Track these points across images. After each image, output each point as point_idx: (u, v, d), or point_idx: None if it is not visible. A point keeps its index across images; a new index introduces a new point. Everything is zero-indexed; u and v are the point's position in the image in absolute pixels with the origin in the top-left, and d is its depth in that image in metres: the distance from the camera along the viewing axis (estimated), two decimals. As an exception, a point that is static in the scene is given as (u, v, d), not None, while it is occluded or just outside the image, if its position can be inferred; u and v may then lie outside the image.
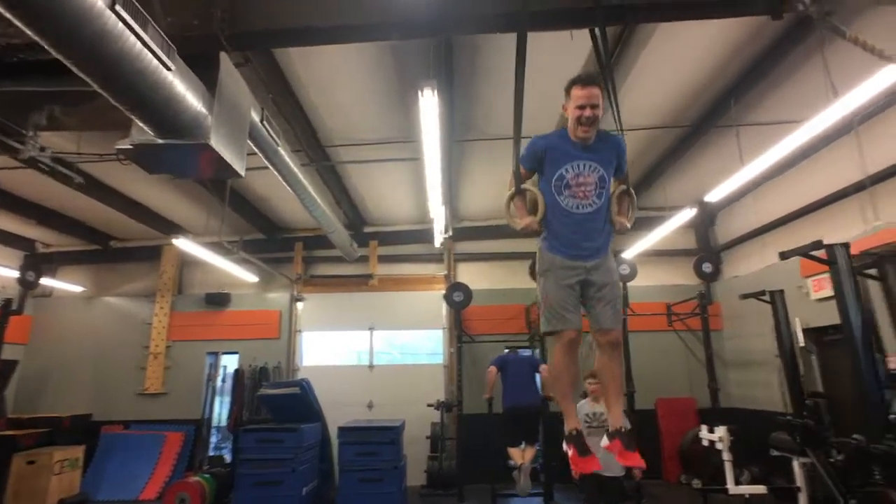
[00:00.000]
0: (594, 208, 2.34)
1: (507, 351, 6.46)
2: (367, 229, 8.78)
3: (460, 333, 7.48)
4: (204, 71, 3.02)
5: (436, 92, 3.25)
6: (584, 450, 2.32)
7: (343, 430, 6.04)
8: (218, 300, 8.42)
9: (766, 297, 4.93)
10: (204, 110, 2.97)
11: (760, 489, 4.77)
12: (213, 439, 8.30)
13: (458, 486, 6.56)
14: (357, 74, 4.70)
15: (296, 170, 4.89)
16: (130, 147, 3.03)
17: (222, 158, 3.14)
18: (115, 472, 7.30)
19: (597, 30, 2.68)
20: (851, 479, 4.36)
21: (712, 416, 6.84)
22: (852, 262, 3.21)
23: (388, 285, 8.55)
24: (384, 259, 8.68)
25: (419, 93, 3.27)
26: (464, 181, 7.34)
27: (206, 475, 6.63)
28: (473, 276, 8.42)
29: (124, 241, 8.93)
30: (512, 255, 8.71)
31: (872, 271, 3.68)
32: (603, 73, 2.71)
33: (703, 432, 5.15)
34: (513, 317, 8.21)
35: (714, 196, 5.76)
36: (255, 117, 3.89)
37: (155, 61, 2.49)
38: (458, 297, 7.41)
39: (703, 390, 7.65)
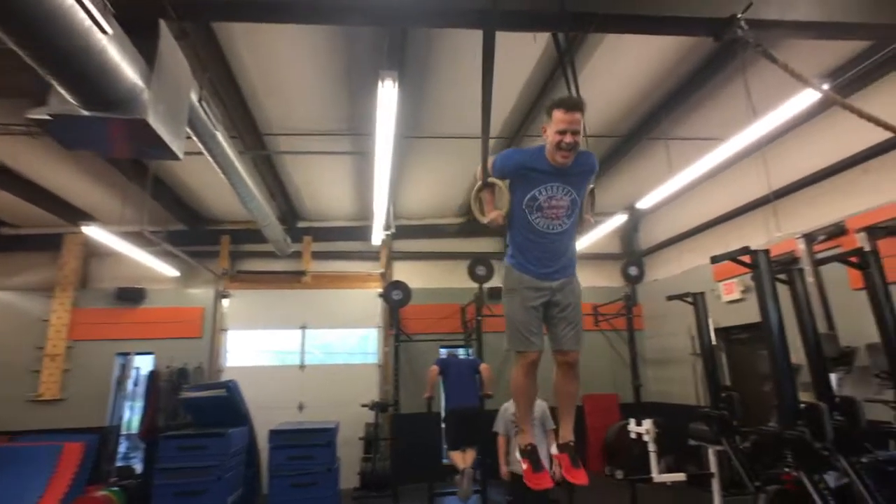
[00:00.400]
0: (563, 229, 2.33)
1: (446, 354, 6.48)
2: (301, 224, 8.44)
3: (398, 332, 7.39)
4: (141, 40, 2.73)
5: (396, 83, 3.17)
6: (538, 466, 2.37)
7: (275, 433, 5.74)
8: (131, 296, 7.69)
9: (689, 299, 5.32)
10: (141, 83, 2.68)
11: (680, 476, 5.16)
12: (122, 448, 7.56)
13: (393, 486, 6.47)
14: (304, 61, 4.48)
15: (233, 157, 4.58)
16: (48, 118, 2.66)
17: (160, 138, 2.85)
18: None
19: (560, 35, 2.75)
20: (758, 464, 4.84)
21: (635, 411, 7.30)
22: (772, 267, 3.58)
23: (321, 282, 8.26)
24: (318, 255, 8.38)
25: (380, 82, 3.17)
26: (404, 179, 7.27)
27: (115, 488, 6.03)
28: (409, 274, 8.35)
29: (17, 228, 7.89)
30: (449, 255, 8.77)
31: (782, 276, 4.11)
32: (565, 76, 2.78)
33: (632, 425, 5.46)
34: (448, 316, 8.26)
35: (645, 203, 6.15)
36: (193, 97, 3.60)
37: (88, 21, 2.20)
38: (397, 295, 7.33)
39: (626, 387, 8.13)
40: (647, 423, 5.16)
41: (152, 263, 7.00)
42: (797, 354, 5.20)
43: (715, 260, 3.82)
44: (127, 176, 6.00)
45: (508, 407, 4.70)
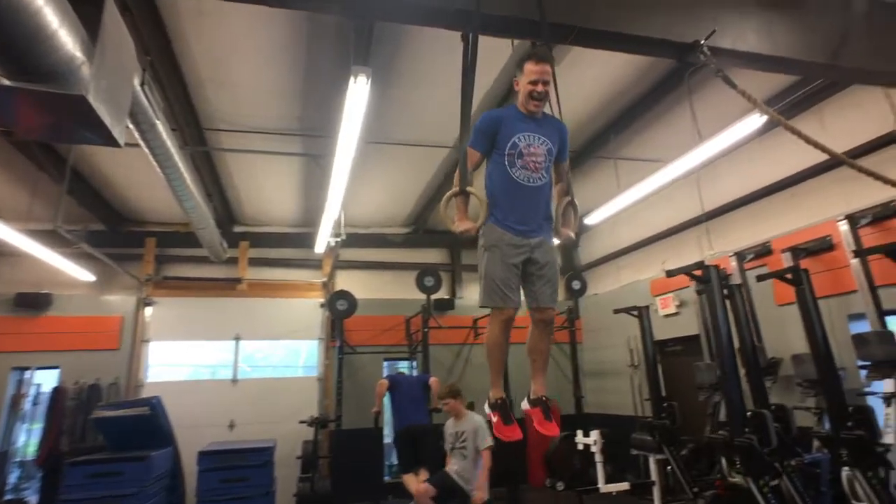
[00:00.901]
0: (543, 182, 2.37)
1: (393, 372, 6.28)
2: (238, 228, 7.93)
3: (342, 344, 7.08)
4: (83, 6, 2.41)
5: (370, 81, 3.03)
6: (508, 418, 2.36)
7: (205, 455, 5.26)
8: (33, 302, 6.81)
9: (635, 312, 5.52)
10: (80, 55, 2.36)
11: (624, 486, 5.30)
12: (12, 479, 6.60)
13: (333, 507, 6.13)
14: (260, 53, 4.22)
15: (173, 151, 4.19)
16: (-44, 86, 2.26)
17: (100, 120, 2.52)
18: None
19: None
20: (694, 471, 5.07)
21: (576, 423, 7.45)
22: (722, 282, 3.79)
23: (258, 291, 7.77)
24: (255, 262, 7.90)
25: (352, 78, 3.01)
26: (352, 185, 7.03)
27: (3, 525, 5.22)
28: (353, 284, 8.05)
29: None
30: (394, 265, 8.60)
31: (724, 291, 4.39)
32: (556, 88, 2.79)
33: (579, 437, 5.54)
34: (392, 328, 8.05)
35: (593, 220, 6.36)
36: (135, 80, 3.25)
37: (24, -26, 1.90)
38: (342, 305, 7.03)
39: (565, 399, 8.30)
40: (595, 434, 5.26)
41: (63, 266, 6.23)
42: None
43: (671, 273, 3.99)
44: (38, 165, 5.33)
45: (447, 427, 4.80)
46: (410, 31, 3.95)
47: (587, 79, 4.83)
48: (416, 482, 4.96)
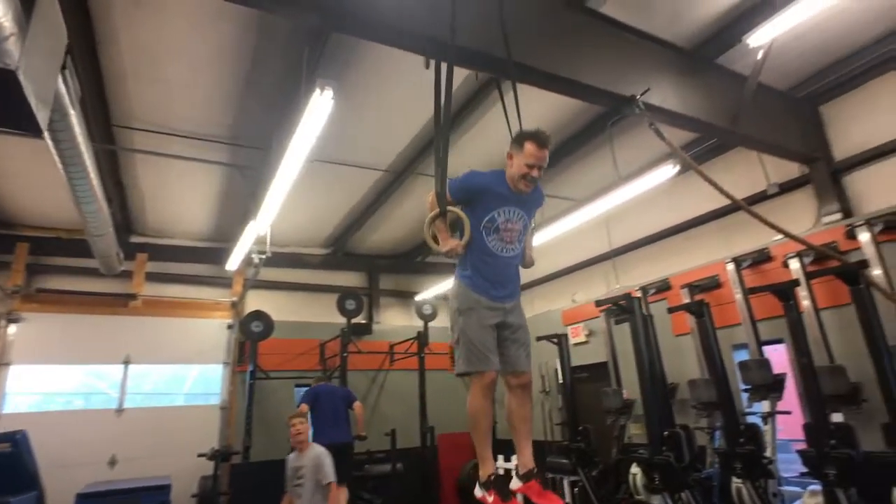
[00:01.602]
0: (515, 252, 2.41)
1: (315, 381, 5.89)
2: (137, 239, 7.14)
3: (255, 369, 6.57)
4: (18, -27, 2.13)
5: (333, 96, 2.97)
6: (506, 494, 2.26)
7: (84, 498, 4.52)
8: None
9: (555, 340, 5.83)
10: (10, 24, 2.07)
11: (541, 509, 5.46)
12: None
13: (232, 551, 5.56)
14: (198, 53, 3.95)
15: (83, 148, 3.73)
16: None
17: (25, 100, 2.21)
18: None
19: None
20: (602, 489, 5.39)
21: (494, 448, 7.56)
22: (643, 311, 4.18)
23: (155, 309, 7.01)
24: (154, 277, 7.14)
25: (318, 90, 2.94)
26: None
27: None
28: (265, 305, 7.57)
29: None
30: (310, 287, 8.27)
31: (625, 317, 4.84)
32: (506, 118, 2.95)
33: (500, 462, 5.64)
34: (306, 352, 7.67)
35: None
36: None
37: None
38: (258, 327, 6.57)
39: (478, 424, 8.43)
40: (516, 459, 5.38)
41: None
42: (629, 390, 6.07)
43: (598, 303, 4.29)
44: None
45: (291, 459, 4.36)
46: (360, 52, 3.95)
47: (527, 115, 5.13)
48: (335, 496, 4.71)
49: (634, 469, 4.98)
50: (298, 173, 4.66)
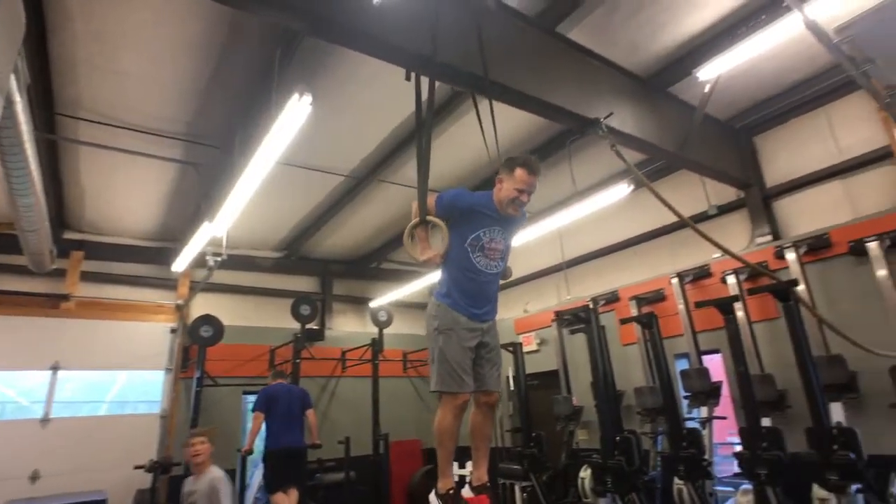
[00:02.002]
0: (498, 270, 2.47)
1: (271, 380, 5.64)
2: (72, 235, 6.65)
3: (202, 375, 6.27)
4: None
5: (312, 103, 2.95)
6: None
7: (8, 516, 4.14)
8: None
9: (511, 348, 5.99)
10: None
11: (493, 514, 5.57)
12: None
13: (170, 569, 5.27)
14: (162, 45, 3.79)
15: (26, 137, 3.49)
16: None
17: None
18: None
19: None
20: (552, 494, 5.57)
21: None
22: (597, 319, 4.39)
23: (90, 311, 6.55)
24: (90, 277, 6.68)
25: (297, 95, 2.90)
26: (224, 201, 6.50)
27: None
28: (212, 309, 7.26)
29: None
30: (260, 291, 8.02)
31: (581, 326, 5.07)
32: (482, 132, 3.05)
33: (455, 468, 5.69)
34: (254, 358, 7.41)
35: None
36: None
37: None
38: (207, 331, 6.28)
39: (428, 432, 8.45)
40: (469, 466, 5.47)
41: None
42: (578, 397, 6.33)
43: (560, 314, 4.47)
44: None
45: (188, 482, 3.96)
46: (332, 56, 3.94)
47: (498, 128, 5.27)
48: (287, 501, 4.61)
49: (583, 473, 5.20)
50: (264, 177, 4.58)
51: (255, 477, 6.43)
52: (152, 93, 4.27)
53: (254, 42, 3.79)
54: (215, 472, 3.84)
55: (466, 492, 2.46)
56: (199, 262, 6.63)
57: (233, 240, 7.52)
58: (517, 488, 5.58)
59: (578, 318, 4.49)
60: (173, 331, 6.91)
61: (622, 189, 4.90)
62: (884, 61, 3.96)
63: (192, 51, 3.84)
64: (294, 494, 4.93)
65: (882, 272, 4.07)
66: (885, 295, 4.03)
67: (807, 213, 5.05)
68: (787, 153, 5.29)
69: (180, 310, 7.04)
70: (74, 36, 3.64)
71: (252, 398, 7.45)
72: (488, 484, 2.48)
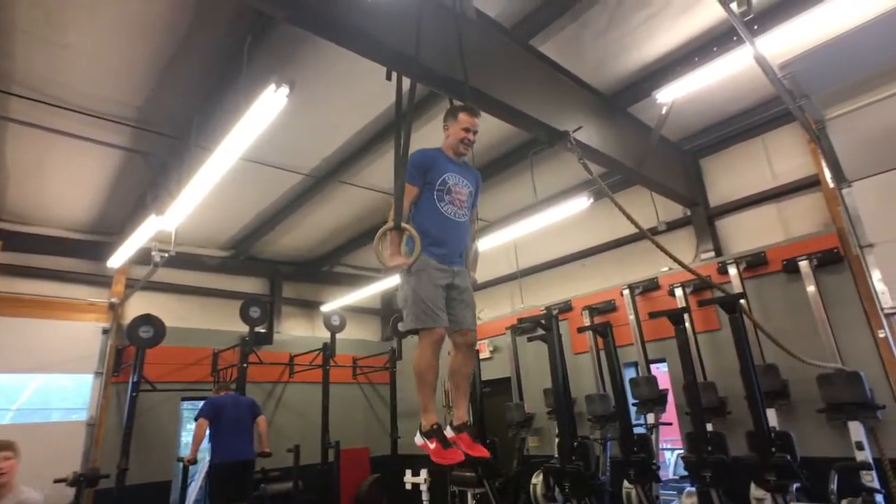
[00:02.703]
0: (465, 219, 2.59)
1: (215, 390, 5.37)
2: (-13, 223, 6.03)
3: (139, 380, 5.82)
4: None
5: (288, 95, 2.83)
6: (446, 443, 2.35)
7: None
8: None
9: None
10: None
11: (446, 522, 5.54)
12: None
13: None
14: (118, 22, 3.53)
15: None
16: None
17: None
18: None
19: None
20: (504, 500, 5.62)
21: (389, 464, 7.50)
22: (557, 327, 4.49)
23: (9, 308, 5.94)
24: (6, 270, 6.07)
25: (273, 86, 2.78)
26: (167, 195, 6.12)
27: None
28: (150, 309, 6.79)
29: None
30: (204, 292, 7.61)
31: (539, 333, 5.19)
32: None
33: (407, 476, 5.62)
34: (196, 362, 7.00)
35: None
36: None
37: None
38: (147, 332, 5.84)
39: (376, 440, 8.31)
40: (424, 473, 5.42)
41: None
42: (529, 404, 6.44)
43: (522, 321, 4.53)
44: None
45: None
46: (303, 48, 3.83)
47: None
48: None
49: (535, 479, 5.29)
50: (198, 165, 4.31)
51: (191, 490, 6.04)
52: (100, 72, 3.97)
53: (221, 28, 3.62)
54: (26, 495, 3.07)
55: (449, 432, 2.47)
56: (138, 258, 6.21)
57: (177, 236, 7.10)
58: (469, 495, 5.58)
59: (540, 326, 4.57)
60: (105, 331, 6.39)
61: (582, 202, 5.06)
62: (817, 98, 4.38)
63: (150, 31, 3.61)
64: None
65: (811, 288, 4.44)
66: (813, 309, 4.40)
67: (745, 233, 5.44)
68: (728, 176, 5.69)
69: (114, 309, 6.53)
70: (13, 1, 3.33)
71: (191, 404, 7.07)
72: (468, 422, 2.53)
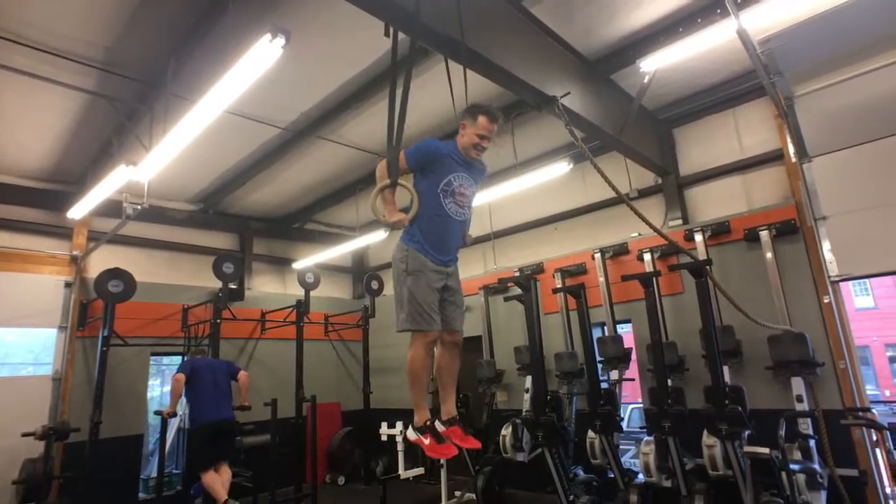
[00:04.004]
0: (465, 218, 2.61)
1: (190, 354, 5.36)
2: (-66, 168, 5.60)
3: (109, 334, 5.68)
4: None
5: (284, 46, 2.73)
6: (440, 438, 2.45)
7: None
8: None
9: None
10: None
11: (419, 471, 5.81)
12: None
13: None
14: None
15: None
16: None
17: None
18: None
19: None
20: (475, 451, 5.92)
21: (361, 418, 7.72)
22: (536, 288, 4.66)
23: (-40, 259, 5.62)
24: (-41, 219, 5.71)
25: (268, 35, 2.67)
26: (135, 144, 5.79)
27: None
28: (115, 262, 6.56)
29: None
30: (172, 246, 7.41)
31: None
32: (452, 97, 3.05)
33: (384, 429, 5.82)
34: (166, 317, 6.88)
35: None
36: None
37: None
38: (116, 286, 5.66)
39: (348, 395, 8.50)
40: (400, 426, 5.63)
41: None
42: (500, 362, 6.72)
43: (502, 281, 4.67)
44: None
45: None
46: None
47: (444, 92, 5.23)
48: (221, 482, 4.45)
49: (505, 431, 5.59)
50: (169, 112, 4.11)
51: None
52: (65, 8, 3.68)
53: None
54: None
55: (439, 427, 2.57)
56: (102, 210, 5.95)
57: (142, 187, 6.81)
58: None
59: (520, 286, 4.74)
60: (68, 285, 6.16)
61: (562, 166, 5.17)
62: (790, 75, 4.57)
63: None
64: (226, 471, 4.78)
65: (769, 256, 4.77)
66: (769, 276, 4.75)
67: (711, 202, 5.72)
68: (699, 147, 5.91)
69: (77, 262, 6.28)
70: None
71: (161, 358, 6.99)
72: (457, 417, 2.62)
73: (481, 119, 2.51)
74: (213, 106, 3.34)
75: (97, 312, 6.01)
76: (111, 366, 5.92)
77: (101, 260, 6.45)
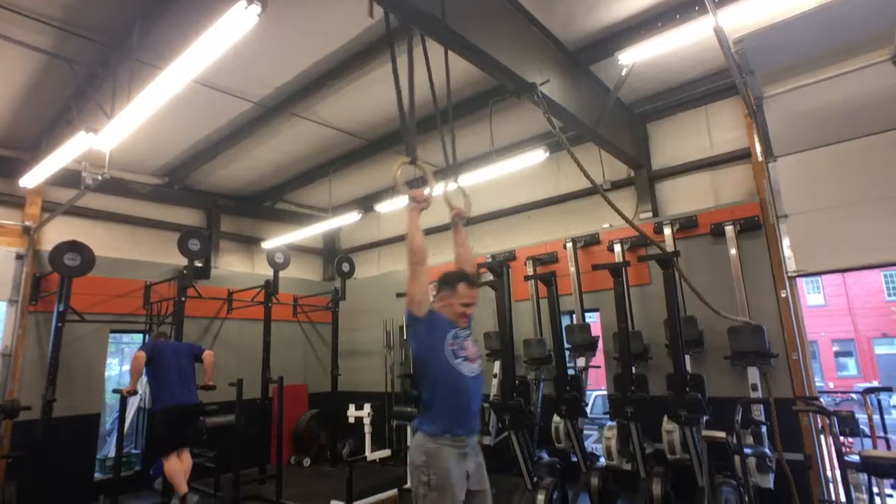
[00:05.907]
0: (478, 373, 2.49)
1: (153, 336, 5.21)
2: None
3: (65, 310, 5.42)
4: None
5: (260, 14, 2.61)
6: None
7: None
8: None
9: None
10: None
11: (386, 453, 5.82)
12: None
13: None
14: None
15: None
16: None
17: None
18: None
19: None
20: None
21: (329, 400, 7.67)
22: (509, 274, 4.69)
23: None
24: None
25: (244, 2, 2.54)
26: (94, 110, 5.50)
27: None
28: (70, 235, 6.26)
29: None
30: (134, 220, 7.13)
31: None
32: (431, 80, 3.02)
33: (351, 410, 5.80)
34: (127, 294, 6.62)
35: (384, 208, 6.73)
36: None
37: None
38: (73, 259, 5.39)
39: (316, 377, 8.43)
40: (367, 408, 5.63)
41: None
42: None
43: (479, 265, 4.66)
44: None
45: None
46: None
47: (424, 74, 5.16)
48: (181, 467, 4.35)
49: (472, 414, 5.65)
50: (134, 79, 3.90)
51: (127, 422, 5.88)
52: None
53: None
54: None
55: None
56: (57, 179, 5.66)
57: (101, 157, 6.49)
58: (409, 428, 5.87)
59: (493, 272, 4.77)
60: (20, 257, 5.85)
61: (538, 154, 5.19)
62: (761, 76, 4.68)
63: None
64: (187, 459, 4.68)
65: (733, 251, 4.94)
66: (732, 269, 4.92)
67: (680, 196, 5.86)
68: (672, 142, 6.02)
69: (29, 233, 5.96)
70: None
71: (121, 336, 6.75)
72: None
73: (461, 287, 2.49)
74: (182, 74, 3.18)
75: (52, 287, 5.74)
76: (67, 342, 5.68)
77: (57, 232, 6.16)
